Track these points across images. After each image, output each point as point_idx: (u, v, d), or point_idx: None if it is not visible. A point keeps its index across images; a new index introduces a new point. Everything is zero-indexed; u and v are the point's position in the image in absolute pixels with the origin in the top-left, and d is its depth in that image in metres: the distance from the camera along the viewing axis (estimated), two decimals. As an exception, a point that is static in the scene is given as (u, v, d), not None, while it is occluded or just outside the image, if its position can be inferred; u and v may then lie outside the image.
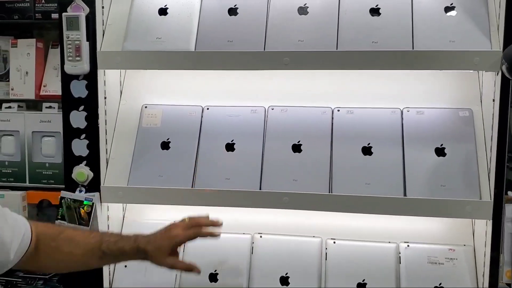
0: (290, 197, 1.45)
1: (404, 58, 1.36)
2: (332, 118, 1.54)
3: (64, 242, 1.16)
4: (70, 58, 1.49)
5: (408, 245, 1.54)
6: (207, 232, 1.26)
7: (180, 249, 1.58)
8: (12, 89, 1.68)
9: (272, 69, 1.44)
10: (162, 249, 1.21)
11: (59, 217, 1.53)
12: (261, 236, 1.60)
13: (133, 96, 1.68)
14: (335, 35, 1.44)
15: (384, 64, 1.37)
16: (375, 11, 1.44)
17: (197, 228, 1.25)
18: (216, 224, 1.27)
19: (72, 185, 1.54)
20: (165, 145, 1.59)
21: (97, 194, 1.53)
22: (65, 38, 1.48)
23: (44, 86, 1.69)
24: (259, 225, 1.62)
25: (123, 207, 1.71)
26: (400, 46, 1.39)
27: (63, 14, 1.48)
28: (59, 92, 1.56)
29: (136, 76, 1.69)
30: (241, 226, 1.62)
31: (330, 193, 1.46)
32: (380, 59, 1.37)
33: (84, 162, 1.54)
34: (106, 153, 1.59)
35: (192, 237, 1.24)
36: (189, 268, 1.25)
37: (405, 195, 1.43)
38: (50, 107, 1.64)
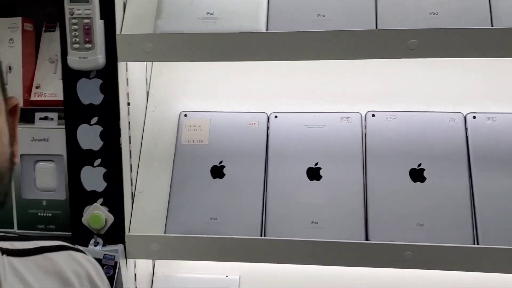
0: (414, 252, 0.96)
1: None
2: (466, 128, 1.05)
3: None
4: (77, 46, 0.97)
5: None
6: None
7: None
8: (-11, 92, 1.17)
9: (390, 57, 0.93)
10: None
11: (65, 283, 1.03)
12: (354, 298, 1.12)
13: (166, 100, 1.17)
14: (487, 5, 0.94)
15: None
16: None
17: None
18: None
19: (83, 234, 1.04)
20: (217, 172, 1.09)
21: (120, 247, 1.03)
22: (67, 15, 0.97)
23: (36, 87, 1.16)
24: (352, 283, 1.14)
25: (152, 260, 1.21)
26: None
27: (64, -22, 0.96)
28: (60, 97, 1.06)
29: (168, 71, 1.19)
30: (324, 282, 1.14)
31: (477, 245, 0.97)
32: None
33: (100, 201, 1.04)
34: (131, 185, 1.09)
35: None
36: None
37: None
38: (46, 118, 1.12)
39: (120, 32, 1.01)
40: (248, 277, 1.18)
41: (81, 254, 0.72)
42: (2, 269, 0.58)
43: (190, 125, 1.14)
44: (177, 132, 1.13)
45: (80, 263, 0.69)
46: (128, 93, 1.06)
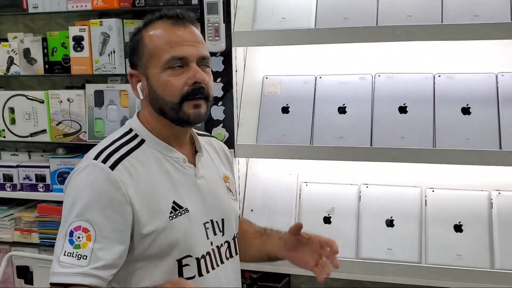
0: (398, 152, 1.70)
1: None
2: (434, 83, 1.77)
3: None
4: (210, 38, 1.79)
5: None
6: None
7: (297, 201, 1.91)
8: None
9: (384, 41, 1.68)
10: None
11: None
12: (367, 187, 1.87)
13: (255, 69, 1.97)
14: (440, 8, 1.65)
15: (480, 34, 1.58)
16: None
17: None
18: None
19: (210, 144, 1.87)
20: (285, 110, 1.88)
21: (232, 150, 1.85)
22: (206, 21, 1.78)
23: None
24: (366, 178, 1.90)
25: (245, 162, 2.03)
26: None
27: (205, 0, 1.77)
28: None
29: (257, 52, 1.98)
30: (349, 178, 1.90)
31: (434, 148, 1.70)
32: (477, 31, 1.58)
33: (221, 125, 1.86)
34: (237, 117, 1.90)
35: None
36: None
37: (500, 147, 1.66)
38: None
39: (233, 30, 1.81)
40: (303, 174, 1.96)
41: (221, 142, 1.45)
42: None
43: (269, 83, 1.93)
44: (262, 87, 1.93)
45: (221, 144, 1.43)
46: (236, 65, 1.86)
